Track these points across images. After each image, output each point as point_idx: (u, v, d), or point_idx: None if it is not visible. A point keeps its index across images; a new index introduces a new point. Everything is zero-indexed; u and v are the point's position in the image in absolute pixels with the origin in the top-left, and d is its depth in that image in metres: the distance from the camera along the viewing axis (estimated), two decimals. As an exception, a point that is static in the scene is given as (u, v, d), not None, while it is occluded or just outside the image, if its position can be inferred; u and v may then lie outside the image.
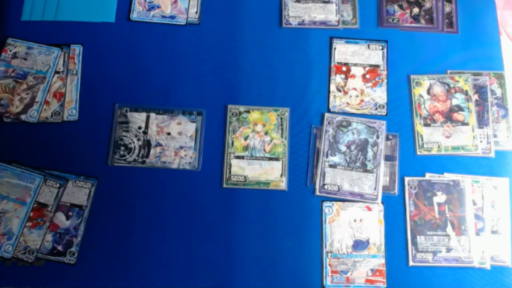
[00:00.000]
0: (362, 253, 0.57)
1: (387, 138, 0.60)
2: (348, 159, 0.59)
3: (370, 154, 0.59)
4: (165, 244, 0.57)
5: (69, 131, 0.61)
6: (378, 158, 0.58)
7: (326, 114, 0.61)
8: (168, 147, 0.60)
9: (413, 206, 0.58)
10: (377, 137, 0.59)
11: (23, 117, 0.60)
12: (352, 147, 0.59)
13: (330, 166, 0.59)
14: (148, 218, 0.57)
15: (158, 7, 0.66)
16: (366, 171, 0.58)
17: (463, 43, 0.64)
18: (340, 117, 0.60)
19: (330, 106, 0.62)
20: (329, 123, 0.60)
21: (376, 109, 0.62)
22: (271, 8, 0.66)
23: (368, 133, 0.59)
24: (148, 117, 0.61)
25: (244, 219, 0.58)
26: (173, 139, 0.60)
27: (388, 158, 0.59)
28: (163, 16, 0.65)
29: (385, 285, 0.56)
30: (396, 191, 0.59)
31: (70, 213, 0.57)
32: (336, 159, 0.59)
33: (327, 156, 0.59)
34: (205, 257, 0.56)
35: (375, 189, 0.58)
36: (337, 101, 0.62)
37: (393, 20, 0.65)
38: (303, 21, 0.65)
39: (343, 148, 0.60)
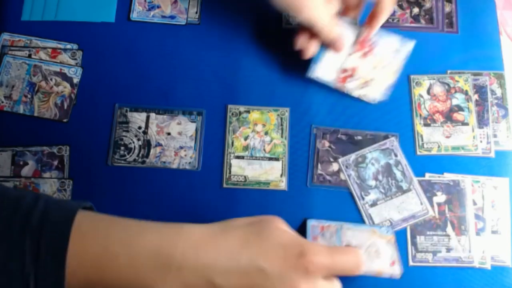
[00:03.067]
0: (362, 253, 0.57)
1: (387, 137, 0.60)
2: (383, 190, 0.58)
3: (398, 174, 0.58)
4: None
5: (69, 131, 0.61)
6: (407, 174, 0.57)
7: (340, 160, 0.59)
8: (168, 147, 0.60)
9: (413, 206, 0.58)
10: (395, 155, 0.57)
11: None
12: (380, 177, 0.58)
13: (371, 206, 0.58)
14: (148, 218, 0.57)
15: (158, 7, 0.66)
16: (404, 192, 0.57)
17: (463, 43, 0.64)
18: (353, 156, 0.59)
19: (330, 106, 0.62)
20: (346, 166, 0.59)
21: (376, 109, 0.61)
22: (271, 8, 0.66)
23: (385, 157, 0.58)
24: (148, 117, 0.61)
25: (244, 219, 0.58)
26: (173, 139, 0.61)
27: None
28: (163, 16, 0.65)
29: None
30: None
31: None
32: (372, 196, 0.58)
33: (363, 199, 0.58)
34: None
35: (421, 203, 0.57)
36: (337, 101, 0.62)
37: (393, 20, 0.65)
38: (303, 21, 0.65)
39: (372, 182, 0.59)
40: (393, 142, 0.58)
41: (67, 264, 0.40)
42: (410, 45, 0.62)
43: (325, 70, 0.61)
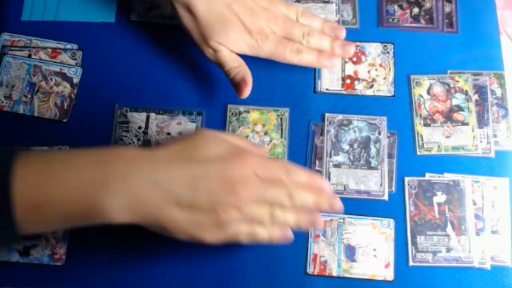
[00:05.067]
0: (362, 253, 0.57)
1: (386, 136, 0.60)
2: (351, 158, 0.58)
3: (373, 151, 0.59)
4: (163, 244, 0.56)
5: (69, 131, 0.61)
6: (382, 154, 0.58)
7: (327, 114, 0.61)
8: (168, 147, 0.60)
9: (413, 206, 0.58)
10: (379, 133, 0.59)
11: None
12: (355, 145, 0.59)
13: (335, 166, 0.59)
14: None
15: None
16: (370, 168, 0.58)
17: (463, 43, 0.64)
18: (340, 116, 0.60)
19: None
20: (330, 122, 0.60)
21: (376, 109, 0.62)
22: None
23: (369, 130, 0.59)
24: (148, 117, 0.61)
25: (243, 219, 0.57)
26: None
27: (387, 156, 0.59)
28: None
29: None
30: (393, 188, 0.58)
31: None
32: (340, 158, 0.59)
33: (330, 156, 0.59)
34: (204, 258, 0.56)
35: (381, 185, 0.58)
36: (337, 101, 0.62)
37: (393, 20, 0.66)
38: (303, 21, 0.65)
39: (346, 147, 0.59)
40: (382, 122, 0.59)
41: (14, 189, 0.40)
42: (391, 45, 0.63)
43: (330, 82, 0.62)
